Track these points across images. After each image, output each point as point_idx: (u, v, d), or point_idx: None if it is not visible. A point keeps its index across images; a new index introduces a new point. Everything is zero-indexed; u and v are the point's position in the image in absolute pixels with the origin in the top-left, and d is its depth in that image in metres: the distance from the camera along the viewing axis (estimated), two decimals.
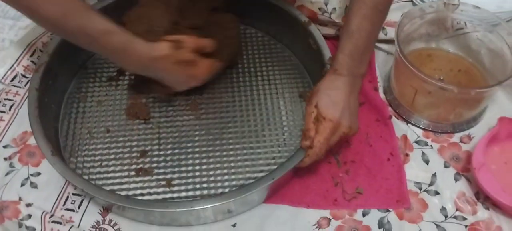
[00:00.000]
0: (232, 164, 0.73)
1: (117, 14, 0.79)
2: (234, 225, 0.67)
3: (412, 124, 0.78)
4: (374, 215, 0.68)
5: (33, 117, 0.70)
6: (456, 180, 0.71)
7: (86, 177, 0.71)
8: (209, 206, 0.62)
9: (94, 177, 0.71)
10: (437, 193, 0.70)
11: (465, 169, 0.73)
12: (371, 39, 0.70)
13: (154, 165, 0.73)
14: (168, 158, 0.73)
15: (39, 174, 0.72)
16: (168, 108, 0.79)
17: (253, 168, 0.72)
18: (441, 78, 0.78)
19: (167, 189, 0.70)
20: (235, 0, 0.82)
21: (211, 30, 0.76)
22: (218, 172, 0.72)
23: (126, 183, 0.71)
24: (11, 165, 0.73)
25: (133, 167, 0.72)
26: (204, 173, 0.72)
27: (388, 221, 0.67)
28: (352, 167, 0.73)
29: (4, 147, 0.75)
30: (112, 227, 0.67)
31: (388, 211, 0.68)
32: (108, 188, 0.70)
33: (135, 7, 0.74)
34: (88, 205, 0.69)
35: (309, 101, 0.69)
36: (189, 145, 0.75)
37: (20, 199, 0.69)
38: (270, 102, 0.80)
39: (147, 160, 0.73)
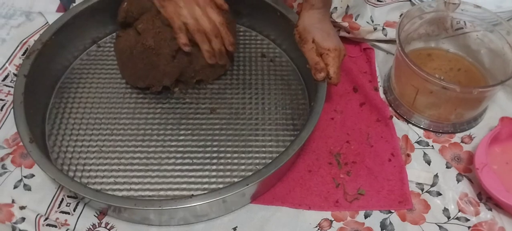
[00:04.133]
0: (214, 167, 0.71)
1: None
2: (235, 229, 0.66)
3: (413, 124, 0.77)
4: (376, 217, 0.67)
5: (17, 104, 0.69)
6: (458, 180, 0.70)
7: (66, 167, 0.70)
8: (176, 207, 0.61)
9: (74, 168, 0.71)
10: (439, 194, 0.69)
11: (467, 170, 0.72)
12: None
13: (136, 161, 0.71)
14: (149, 155, 0.72)
15: (32, 175, 0.70)
16: (156, 105, 0.78)
17: (234, 172, 0.71)
18: (442, 78, 0.78)
19: (145, 187, 0.69)
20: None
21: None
22: (199, 173, 0.71)
23: (104, 177, 0.70)
24: (3, 167, 0.71)
25: (115, 161, 0.71)
26: (185, 173, 0.71)
27: (390, 222, 0.67)
28: (353, 168, 0.72)
29: None
30: (109, 230, 0.66)
31: (390, 212, 0.67)
32: (86, 180, 0.69)
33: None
34: (84, 208, 0.67)
35: (302, 40, 0.72)
36: (173, 144, 0.74)
37: (13, 201, 0.67)
38: (261, 108, 0.78)
39: (129, 156, 0.72)
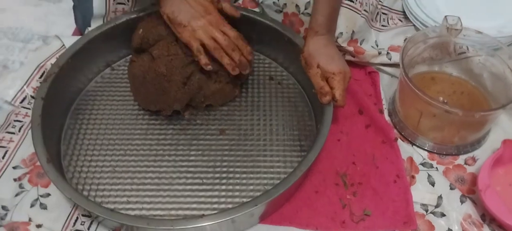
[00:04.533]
0: (223, 187, 0.73)
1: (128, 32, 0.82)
2: None
3: (417, 146, 0.79)
4: None
5: (35, 125, 0.71)
6: (462, 202, 0.71)
7: (80, 187, 0.73)
8: (187, 227, 0.63)
9: (88, 187, 0.73)
10: (443, 215, 0.71)
11: (470, 191, 0.73)
12: (341, 1, 0.84)
13: (148, 181, 0.74)
14: (161, 175, 0.74)
15: (48, 194, 0.72)
16: (168, 127, 0.81)
17: (243, 192, 0.73)
18: (445, 101, 0.80)
19: (157, 206, 0.71)
20: (247, 25, 0.84)
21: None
22: (209, 193, 0.73)
23: (117, 196, 0.72)
24: (20, 186, 0.73)
25: (127, 181, 0.74)
26: (195, 193, 0.73)
27: None
28: (359, 188, 0.74)
29: (14, 168, 0.75)
30: None
31: None
32: (99, 200, 0.71)
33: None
34: (97, 226, 0.69)
35: (308, 65, 0.76)
36: (184, 164, 0.76)
37: (30, 220, 0.69)
38: (269, 129, 0.81)
39: (141, 175, 0.74)
